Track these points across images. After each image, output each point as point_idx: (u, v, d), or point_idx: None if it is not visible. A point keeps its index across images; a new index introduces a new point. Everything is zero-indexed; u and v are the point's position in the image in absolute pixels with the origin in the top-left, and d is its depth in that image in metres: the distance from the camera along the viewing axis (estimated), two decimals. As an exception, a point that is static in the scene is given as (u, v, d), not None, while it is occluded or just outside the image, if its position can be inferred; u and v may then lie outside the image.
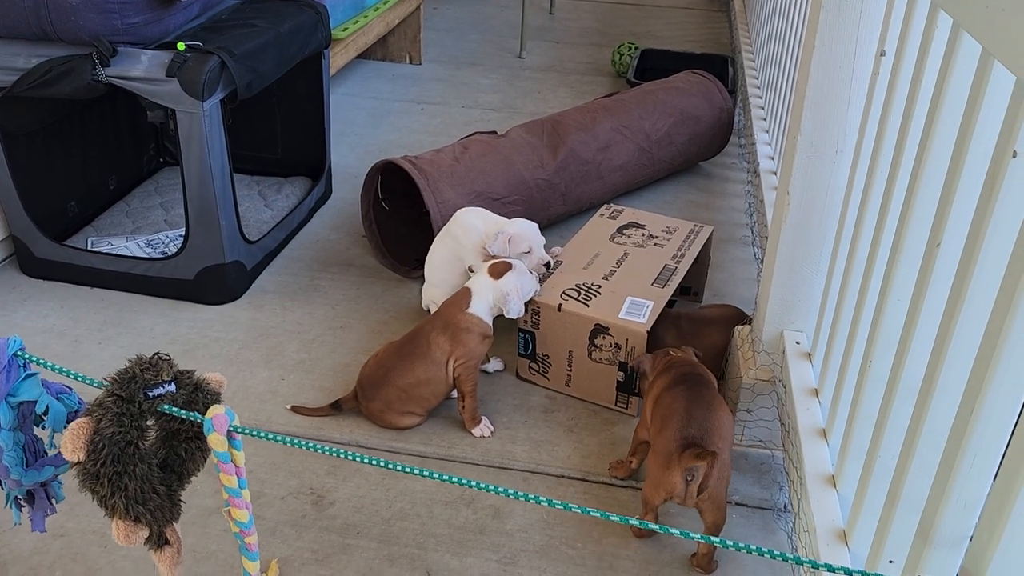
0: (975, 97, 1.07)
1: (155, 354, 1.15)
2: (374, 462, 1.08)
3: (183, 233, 2.49)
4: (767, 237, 2.29)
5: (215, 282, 2.37)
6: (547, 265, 2.12)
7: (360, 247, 2.71)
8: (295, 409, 2.00)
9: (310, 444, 1.13)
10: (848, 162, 1.69)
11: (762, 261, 2.36)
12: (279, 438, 1.11)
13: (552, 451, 1.93)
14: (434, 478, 1.07)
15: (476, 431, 1.96)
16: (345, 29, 3.40)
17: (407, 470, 1.08)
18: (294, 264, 2.61)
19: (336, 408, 2.00)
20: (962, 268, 1.06)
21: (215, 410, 1.10)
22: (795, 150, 1.73)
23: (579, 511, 1.01)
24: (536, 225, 2.18)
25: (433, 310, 2.26)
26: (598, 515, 1.01)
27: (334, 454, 1.12)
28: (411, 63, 4.23)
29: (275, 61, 2.39)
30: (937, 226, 1.16)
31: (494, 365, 2.18)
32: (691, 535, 1.02)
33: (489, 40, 4.66)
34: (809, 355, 1.81)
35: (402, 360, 1.94)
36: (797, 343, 1.84)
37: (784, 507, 1.77)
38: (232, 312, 2.37)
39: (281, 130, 2.92)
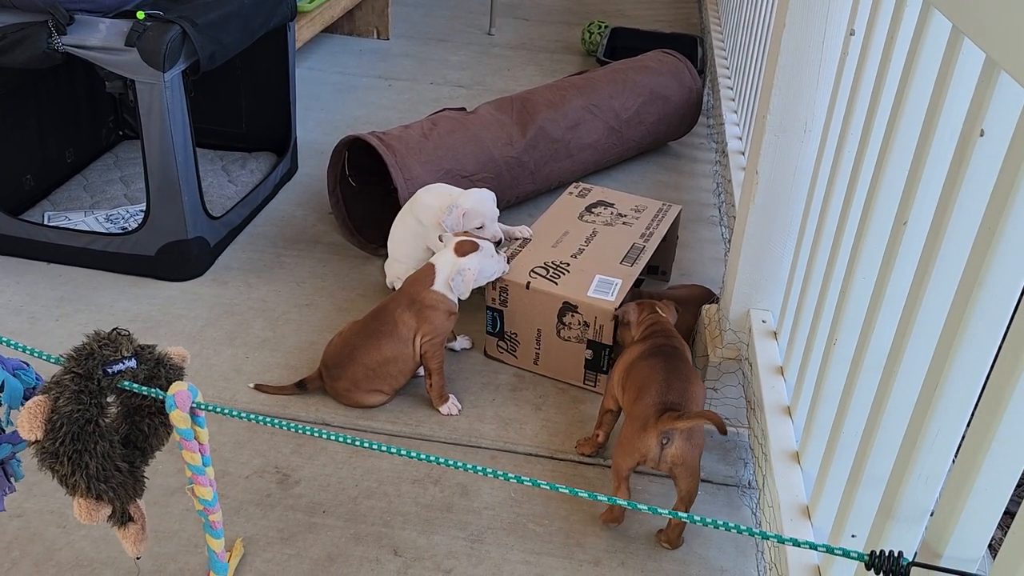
0: (944, 75, 1.07)
1: (114, 329, 1.12)
2: (341, 439, 1.06)
3: (144, 208, 2.44)
4: (735, 217, 2.30)
5: (177, 258, 2.33)
6: (497, 243, 2.11)
7: (326, 224, 2.67)
8: (259, 387, 1.98)
9: (276, 421, 1.11)
10: (816, 142, 1.69)
11: (730, 241, 2.37)
12: (244, 415, 1.10)
13: (520, 429, 1.93)
14: (401, 455, 1.06)
15: (444, 409, 1.95)
16: (311, 1, 3.34)
17: (374, 447, 1.07)
18: (259, 240, 2.57)
19: (301, 387, 1.97)
20: (928, 246, 1.06)
21: (177, 386, 1.08)
22: (764, 130, 1.73)
23: (547, 487, 1.01)
24: (492, 196, 2.15)
25: (398, 286, 2.25)
26: (567, 491, 1.01)
27: (300, 431, 1.10)
28: (379, 38, 4.17)
29: (239, 32, 2.33)
30: (904, 205, 1.17)
31: (461, 343, 2.17)
32: (659, 511, 1.02)
33: (458, 16, 4.61)
34: (775, 334, 1.82)
35: (368, 338, 1.92)
36: (763, 322, 1.85)
37: (748, 484, 1.79)
38: (195, 289, 2.33)
39: (246, 104, 2.87)
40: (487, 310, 2.08)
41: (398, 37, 4.23)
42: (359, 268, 2.47)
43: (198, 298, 2.30)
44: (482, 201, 2.11)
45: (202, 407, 1.10)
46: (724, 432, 1.48)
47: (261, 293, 2.34)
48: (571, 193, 2.42)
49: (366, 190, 2.66)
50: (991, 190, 0.92)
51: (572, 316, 1.98)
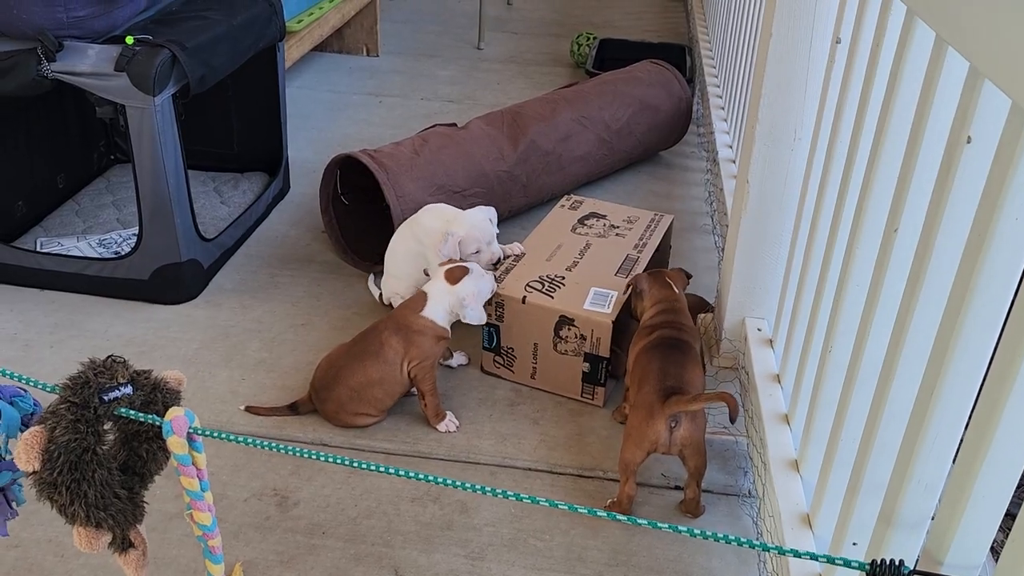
0: (929, 83, 1.08)
1: (109, 356, 1.12)
2: (338, 460, 1.06)
3: (136, 232, 2.44)
4: (727, 225, 2.31)
5: (171, 281, 2.32)
6: (496, 263, 2.11)
7: (320, 243, 2.67)
8: (250, 409, 1.97)
9: (273, 444, 1.11)
10: (806, 150, 1.70)
11: (723, 249, 2.38)
12: (241, 439, 1.09)
13: (518, 444, 1.93)
14: (399, 475, 1.05)
15: (441, 426, 1.95)
16: (300, 21, 3.35)
17: (372, 468, 1.06)
18: (253, 261, 2.57)
19: (293, 410, 1.97)
20: (920, 252, 1.07)
21: (174, 412, 1.08)
22: (753, 139, 1.74)
23: (547, 504, 1.01)
24: (490, 214, 2.16)
25: (395, 302, 2.25)
26: (566, 508, 1.00)
27: (297, 454, 1.10)
28: (368, 55, 4.19)
29: (228, 54, 2.34)
30: (894, 212, 1.18)
31: (458, 359, 2.16)
32: (658, 525, 1.02)
33: (447, 31, 4.63)
34: (771, 341, 1.83)
35: (353, 360, 1.92)
36: (759, 330, 1.86)
37: (748, 492, 1.79)
38: (189, 312, 2.33)
39: (237, 125, 2.87)
40: (483, 326, 2.08)
41: (387, 54, 4.24)
42: (354, 287, 2.47)
43: (193, 321, 2.30)
44: (476, 226, 2.10)
45: (199, 432, 1.10)
46: (735, 416, 1.54)
47: (256, 314, 2.34)
48: (563, 206, 2.43)
49: (359, 208, 2.66)
50: (980, 195, 0.92)
51: (569, 329, 1.98)
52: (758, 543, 0.98)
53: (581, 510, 1.04)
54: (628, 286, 1.97)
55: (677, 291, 1.90)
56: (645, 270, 2.42)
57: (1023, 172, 0.84)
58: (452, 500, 1.77)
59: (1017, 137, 0.83)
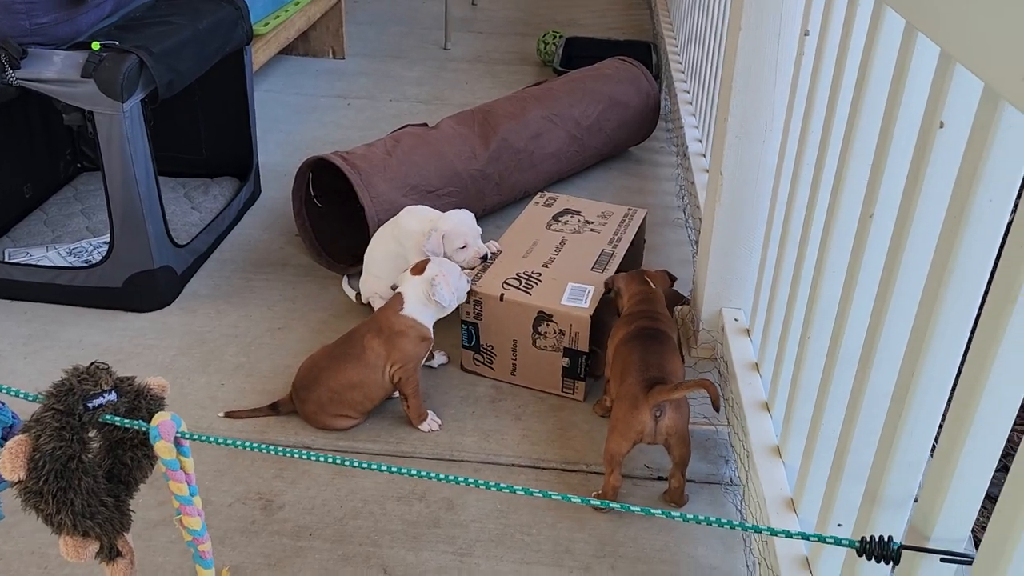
0: (900, 71, 1.10)
1: (92, 363, 1.11)
2: (327, 459, 1.06)
3: (107, 240, 2.41)
4: (700, 219, 2.33)
5: (145, 289, 2.30)
6: (483, 258, 2.12)
7: (294, 246, 2.66)
8: (230, 414, 1.95)
9: (260, 446, 1.10)
10: (778, 141, 1.73)
11: (696, 242, 2.40)
12: (229, 442, 1.09)
13: (501, 440, 1.93)
14: (389, 472, 1.06)
15: (424, 427, 1.95)
16: (266, 24, 3.33)
17: (360, 465, 1.06)
18: (226, 266, 2.55)
19: (274, 410, 1.96)
20: (896, 237, 1.09)
21: (161, 417, 1.07)
22: (725, 131, 1.76)
23: (540, 495, 1.02)
24: (472, 215, 2.17)
25: (375, 303, 2.24)
26: (559, 498, 1.01)
27: (284, 454, 1.10)
28: (334, 58, 4.17)
29: (195, 59, 2.32)
30: (869, 198, 1.20)
31: (439, 359, 2.16)
32: (651, 511, 1.03)
33: (413, 32, 4.62)
34: (748, 331, 1.85)
35: (334, 362, 1.91)
36: (736, 320, 1.88)
37: (731, 480, 1.81)
38: (164, 319, 2.31)
39: (205, 130, 2.84)
40: (462, 324, 2.09)
41: (354, 56, 4.23)
42: (329, 289, 2.46)
43: (168, 328, 2.27)
44: (462, 221, 2.11)
45: (187, 436, 1.09)
46: (717, 404, 1.57)
47: (232, 319, 2.32)
48: (537, 203, 2.44)
49: (332, 210, 2.65)
50: (954, 179, 0.94)
51: (547, 325, 1.99)
52: (750, 525, 0.99)
53: (575, 499, 1.06)
54: (605, 286, 1.99)
55: (653, 286, 1.92)
56: (625, 269, 2.45)
57: (997, 154, 0.87)
58: (438, 498, 1.78)
59: (990, 119, 0.86)
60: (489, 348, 2.09)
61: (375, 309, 2.17)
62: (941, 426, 1.00)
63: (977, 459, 0.90)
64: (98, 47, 2.09)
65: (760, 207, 1.80)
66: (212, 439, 1.09)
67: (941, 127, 0.99)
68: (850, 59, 1.31)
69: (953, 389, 1.00)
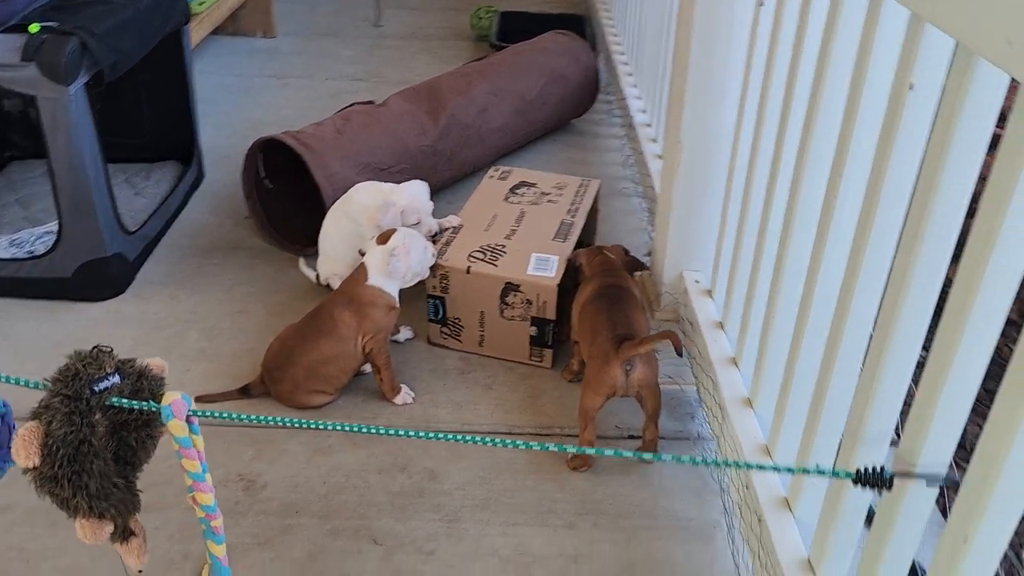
0: (868, 34, 1.17)
1: (95, 347, 1.10)
2: (343, 427, 1.08)
3: (50, 229, 2.34)
4: (652, 187, 2.40)
5: (97, 277, 2.24)
6: (434, 236, 2.14)
7: (244, 228, 2.62)
8: (200, 400, 1.93)
9: (267, 419, 1.12)
10: (736, 104, 1.79)
11: (649, 211, 2.47)
12: (241, 416, 1.10)
13: (475, 410, 1.97)
14: (400, 435, 1.08)
15: (398, 400, 1.97)
16: (201, 3, 3.24)
17: (373, 431, 1.09)
18: (177, 252, 2.51)
19: (245, 393, 1.95)
20: (869, 197, 1.16)
21: (171, 396, 1.07)
22: (683, 97, 1.82)
23: (538, 448, 1.06)
24: (426, 187, 2.19)
25: (333, 283, 2.24)
26: (556, 448, 1.06)
27: (305, 426, 1.11)
28: (265, 37, 4.08)
29: (138, 39, 2.26)
30: (839, 158, 1.27)
31: (405, 334, 2.18)
32: (623, 453, 1.09)
33: (343, 10, 4.56)
34: (710, 292, 1.93)
35: (305, 338, 1.92)
36: (697, 282, 1.96)
37: (699, 435, 1.89)
38: (119, 307, 2.26)
39: (146, 113, 2.77)
40: (428, 299, 2.11)
41: (285, 35, 4.15)
42: (286, 271, 2.45)
43: (124, 316, 2.23)
44: (417, 196, 2.13)
45: (197, 415, 1.09)
46: (680, 350, 1.65)
47: (189, 304, 2.29)
48: (492, 176, 2.47)
49: (282, 191, 2.62)
50: (925, 138, 1.02)
51: (514, 295, 2.03)
52: (743, 463, 1.06)
53: (571, 449, 1.11)
54: (569, 261, 2.04)
55: (613, 256, 1.99)
56: (584, 238, 2.51)
57: (969, 111, 0.94)
58: (419, 468, 1.81)
59: (962, 75, 0.93)
60: (456, 321, 2.12)
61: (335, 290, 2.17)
62: (920, 365, 1.08)
63: (959, 388, 0.98)
64: (37, 29, 2.02)
65: (720, 171, 1.87)
66: (223, 414, 1.10)
67: (911, 89, 1.06)
68: (812, 21, 1.38)
69: (931, 332, 1.08)
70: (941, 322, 0.99)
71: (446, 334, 2.15)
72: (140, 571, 1.17)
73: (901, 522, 1.07)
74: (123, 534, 1.13)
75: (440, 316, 2.13)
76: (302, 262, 2.44)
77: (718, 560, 1.61)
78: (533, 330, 2.06)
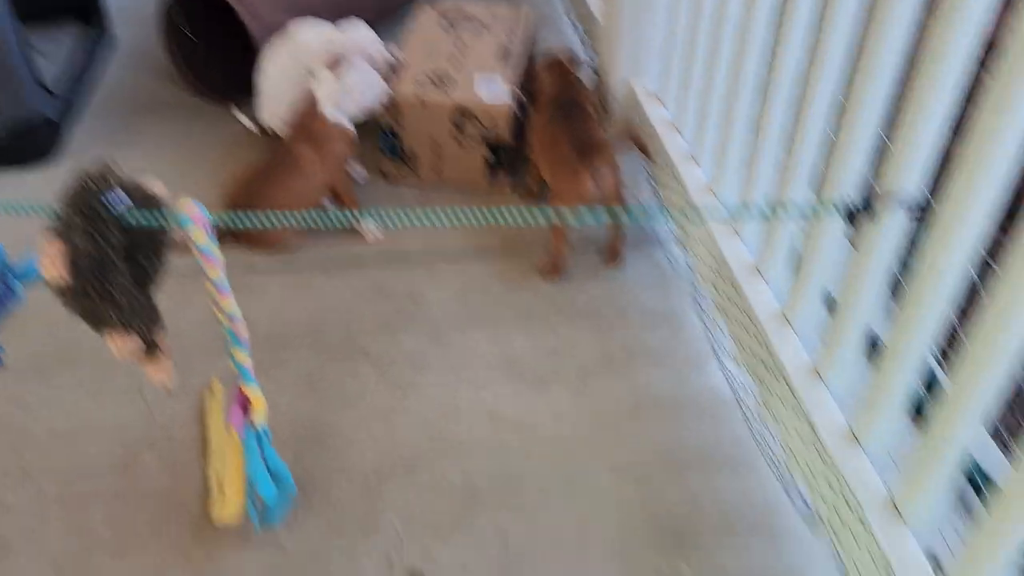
0: None
1: (93, 165, 1.09)
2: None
3: (-36, 97, 2.21)
4: (587, 8, 2.41)
5: (25, 140, 2.15)
6: (393, 66, 2.12)
7: (168, 85, 2.52)
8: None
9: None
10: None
11: (586, 32, 2.48)
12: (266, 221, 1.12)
13: (442, 237, 2.02)
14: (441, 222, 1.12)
15: (369, 237, 1.99)
16: None
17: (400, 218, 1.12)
18: (104, 114, 2.40)
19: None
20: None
21: (185, 203, 1.08)
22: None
23: (537, 214, 1.12)
24: (368, 27, 2.14)
25: (277, 127, 2.20)
26: (544, 217, 1.12)
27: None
28: None
29: None
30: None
31: (360, 172, 2.18)
32: (595, 220, 1.17)
33: None
34: (659, 97, 1.99)
35: (271, 178, 1.91)
36: (646, 88, 2.01)
37: (657, 235, 1.99)
38: (58, 174, 2.17)
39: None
40: (381, 134, 2.10)
41: None
42: (223, 121, 2.38)
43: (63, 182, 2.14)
44: (363, 39, 2.08)
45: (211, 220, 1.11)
46: (646, 149, 1.70)
47: (134, 165, 2.17)
48: (424, 9, 2.42)
49: (205, 41, 2.51)
50: None
51: (468, 121, 2.04)
52: (727, 211, 1.15)
53: (572, 218, 1.17)
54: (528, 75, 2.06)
55: (571, 71, 2.01)
56: (534, 60, 2.51)
57: None
58: (399, 293, 1.86)
59: None
60: (412, 155, 2.13)
61: (279, 134, 2.14)
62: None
63: (929, 126, 1.08)
64: None
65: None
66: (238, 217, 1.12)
67: None
68: None
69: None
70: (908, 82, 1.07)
71: (403, 171, 2.16)
72: (169, 388, 1.20)
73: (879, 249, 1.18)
74: (150, 348, 1.15)
75: (396, 152, 2.13)
76: (235, 109, 2.37)
77: (692, 342, 1.75)
78: (489, 154, 2.09)
